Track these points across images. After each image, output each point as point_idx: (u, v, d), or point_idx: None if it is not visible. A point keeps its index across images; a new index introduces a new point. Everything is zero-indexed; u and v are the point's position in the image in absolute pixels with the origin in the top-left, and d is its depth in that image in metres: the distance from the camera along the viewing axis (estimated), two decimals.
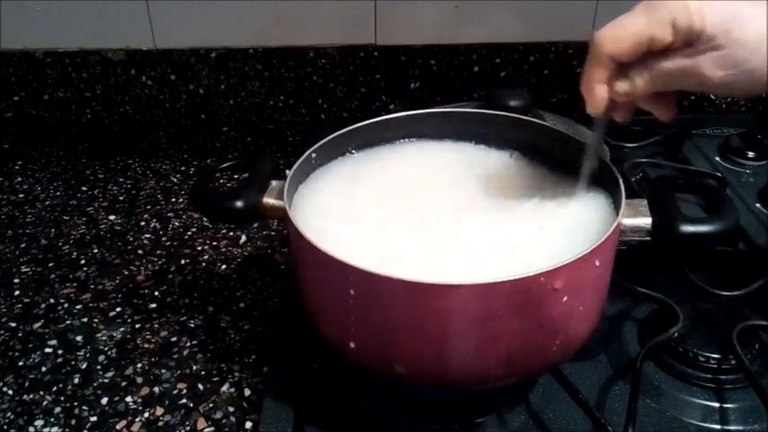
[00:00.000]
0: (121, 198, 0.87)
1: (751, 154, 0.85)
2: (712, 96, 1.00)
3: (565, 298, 0.44)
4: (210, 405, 0.57)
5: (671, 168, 0.82)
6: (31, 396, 0.58)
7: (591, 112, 0.47)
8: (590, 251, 0.43)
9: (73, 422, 0.56)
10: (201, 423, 0.55)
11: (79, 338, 0.64)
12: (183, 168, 0.94)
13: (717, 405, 0.54)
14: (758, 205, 0.76)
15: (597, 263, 0.45)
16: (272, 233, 0.79)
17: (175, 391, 0.58)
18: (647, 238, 0.49)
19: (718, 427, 0.53)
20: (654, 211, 0.49)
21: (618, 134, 0.85)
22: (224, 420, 0.56)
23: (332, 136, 0.58)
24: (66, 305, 0.69)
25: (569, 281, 0.43)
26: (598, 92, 0.46)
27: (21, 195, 0.89)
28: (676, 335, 0.56)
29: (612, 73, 0.45)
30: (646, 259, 0.63)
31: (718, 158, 0.86)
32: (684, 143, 0.89)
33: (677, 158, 0.87)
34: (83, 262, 0.75)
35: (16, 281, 0.72)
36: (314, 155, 0.56)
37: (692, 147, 0.89)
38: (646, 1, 0.43)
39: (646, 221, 0.48)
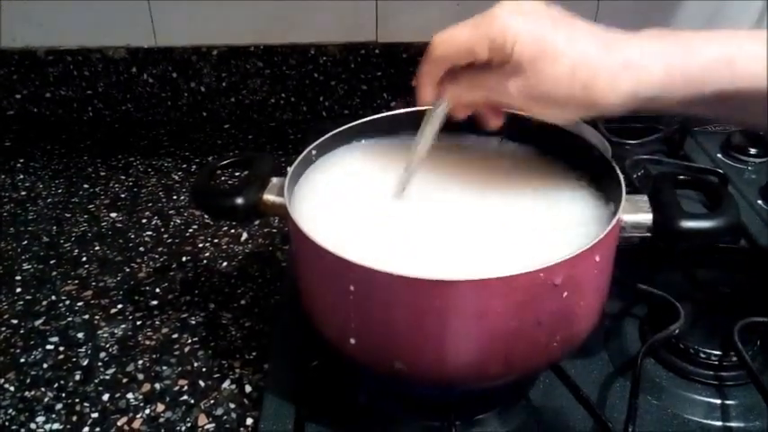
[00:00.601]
0: (123, 196, 0.87)
1: (753, 151, 0.85)
2: None
3: (565, 294, 0.44)
4: (211, 402, 0.57)
5: (672, 165, 0.82)
6: (33, 393, 0.58)
7: (420, 105, 0.50)
8: (590, 247, 0.43)
9: (74, 419, 0.56)
10: (202, 419, 0.56)
11: (80, 335, 0.65)
12: (185, 166, 0.94)
13: (718, 402, 0.54)
14: (760, 202, 0.76)
15: (597, 258, 0.45)
16: (274, 230, 0.79)
17: (176, 388, 0.58)
18: (648, 235, 0.49)
19: (719, 424, 0.53)
20: (654, 207, 0.49)
21: (619, 131, 0.85)
22: (225, 417, 0.56)
23: (332, 133, 0.58)
24: (67, 302, 0.69)
25: (569, 277, 0.43)
26: (424, 93, 0.49)
27: (23, 193, 0.89)
28: (677, 332, 0.56)
29: (444, 74, 0.48)
30: (646, 256, 0.63)
31: (719, 155, 0.86)
32: (686, 140, 0.89)
33: (679, 155, 0.87)
34: (84, 259, 0.75)
35: (18, 278, 0.73)
36: (314, 152, 0.56)
37: (694, 144, 0.89)
38: (480, 14, 0.45)
39: (646, 218, 0.48)
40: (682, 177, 0.54)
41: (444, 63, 0.47)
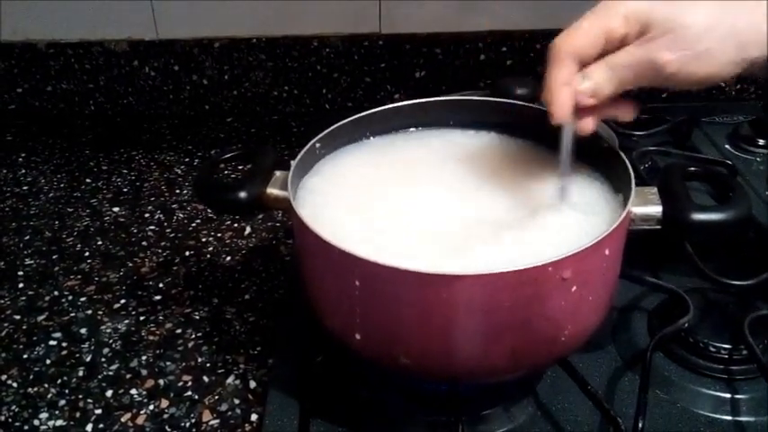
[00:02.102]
0: (125, 190, 0.87)
1: (761, 141, 0.84)
2: (722, 84, 0.99)
3: (573, 288, 0.43)
4: (216, 397, 0.57)
5: (680, 157, 0.81)
6: (36, 389, 0.58)
7: (557, 121, 0.46)
8: (599, 240, 0.42)
9: (77, 415, 0.56)
10: (207, 415, 0.55)
11: (84, 331, 0.64)
12: (187, 160, 0.94)
13: (728, 396, 0.53)
14: None
15: (607, 252, 0.44)
16: (277, 224, 0.78)
17: (180, 384, 0.58)
18: (657, 227, 0.48)
19: (729, 418, 0.52)
20: (664, 199, 0.48)
21: (626, 122, 0.84)
22: (229, 413, 0.55)
23: (335, 126, 0.57)
24: (70, 297, 0.68)
25: (578, 271, 0.42)
26: (561, 95, 0.45)
27: (24, 188, 0.88)
28: (686, 325, 0.55)
29: (573, 74, 0.45)
30: (655, 248, 0.62)
31: (727, 146, 0.85)
32: (693, 131, 0.88)
33: (686, 147, 0.85)
34: (87, 254, 0.75)
35: (20, 273, 0.72)
36: (318, 145, 0.56)
37: (701, 135, 0.88)
38: (594, 8, 0.45)
39: (656, 210, 0.48)
40: (691, 169, 0.53)
41: (575, 57, 0.45)
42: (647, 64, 0.44)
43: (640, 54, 0.44)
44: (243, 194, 0.52)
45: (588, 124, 0.47)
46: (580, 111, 0.46)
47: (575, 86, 0.45)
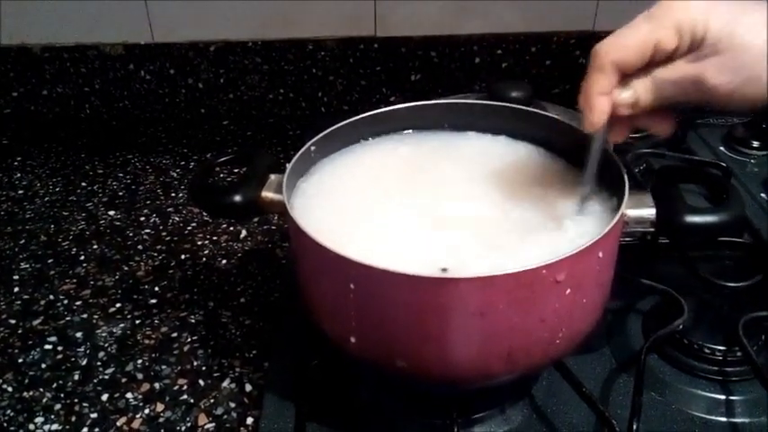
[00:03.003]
0: (121, 193, 0.87)
1: (756, 143, 0.84)
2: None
3: (568, 291, 0.43)
4: (211, 401, 0.57)
5: (675, 159, 0.81)
6: (31, 393, 0.58)
7: (590, 129, 0.45)
8: (593, 243, 0.42)
9: (73, 419, 0.56)
10: (202, 419, 0.55)
11: (79, 335, 0.64)
12: (183, 163, 0.93)
13: (722, 397, 0.54)
14: (763, 195, 0.75)
15: (600, 254, 0.44)
16: (273, 228, 0.78)
17: (176, 387, 0.58)
18: (651, 230, 0.48)
19: (723, 419, 0.52)
20: (658, 202, 0.48)
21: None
22: (225, 416, 0.55)
23: (331, 129, 0.57)
24: (65, 301, 0.68)
25: (572, 273, 0.42)
26: (599, 103, 0.44)
27: (20, 191, 0.88)
28: (681, 327, 0.55)
29: (614, 85, 0.44)
30: (648, 250, 0.63)
31: (722, 148, 0.85)
32: (688, 133, 0.88)
33: (681, 149, 0.86)
34: (82, 258, 0.75)
35: (15, 277, 0.72)
36: (313, 148, 0.56)
37: (696, 137, 0.88)
38: (647, 11, 0.42)
39: (650, 212, 0.48)
40: (685, 171, 0.53)
41: (622, 66, 0.43)
42: (696, 84, 0.42)
43: (689, 71, 0.42)
44: (238, 198, 0.52)
45: (620, 134, 0.46)
46: (615, 121, 0.45)
47: (614, 97, 0.44)
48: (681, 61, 0.42)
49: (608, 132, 0.46)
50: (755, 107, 0.43)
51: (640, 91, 0.44)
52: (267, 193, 0.52)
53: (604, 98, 0.44)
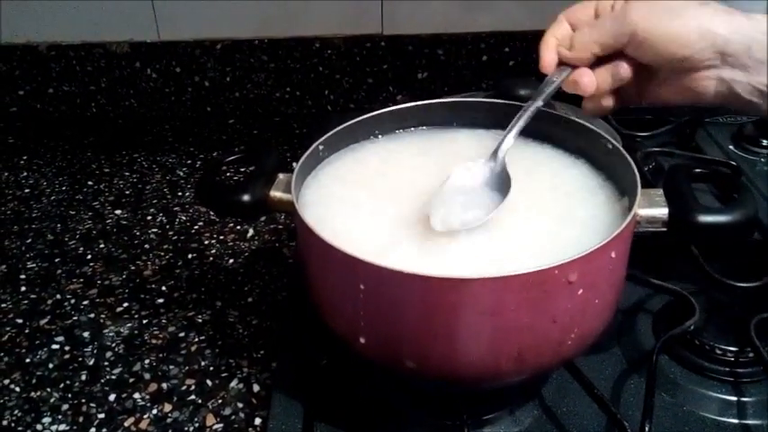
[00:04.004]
0: (127, 192, 0.87)
1: (765, 142, 0.84)
2: None
3: (580, 291, 0.43)
4: (219, 401, 0.56)
5: (685, 157, 0.81)
6: (39, 393, 0.58)
7: (542, 69, 0.53)
8: (606, 243, 0.42)
9: (80, 419, 0.55)
10: (210, 419, 0.55)
11: (86, 334, 0.64)
12: (190, 162, 0.93)
13: (734, 399, 0.53)
14: None
15: (613, 254, 0.44)
16: (280, 227, 0.78)
17: (184, 388, 0.58)
18: (663, 229, 0.48)
19: (735, 421, 0.52)
20: (670, 201, 0.48)
21: (629, 123, 0.84)
22: (233, 416, 0.55)
23: (339, 128, 0.57)
24: (72, 301, 0.68)
25: (584, 273, 0.42)
26: (548, 43, 0.53)
27: (26, 190, 0.88)
28: (692, 327, 0.55)
29: (565, 34, 0.53)
30: (660, 250, 0.62)
31: (731, 147, 0.85)
32: (697, 132, 0.87)
33: (690, 147, 0.85)
34: (89, 257, 0.75)
35: (22, 277, 0.72)
36: (321, 147, 0.55)
37: (705, 135, 0.87)
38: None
39: (662, 212, 0.47)
40: (696, 170, 0.53)
41: (568, 19, 0.53)
42: (621, 20, 0.49)
43: (616, 13, 0.50)
44: (246, 197, 0.51)
45: (584, 76, 0.51)
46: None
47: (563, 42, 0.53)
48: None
49: (567, 74, 0.52)
50: (680, 61, 0.48)
51: (577, 35, 0.52)
52: (275, 193, 0.52)
53: (551, 41, 0.53)
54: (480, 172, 0.52)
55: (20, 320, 0.66)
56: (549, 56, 0.52)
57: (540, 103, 0.52)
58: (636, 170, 0.48)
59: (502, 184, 0.50)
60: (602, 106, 0.53)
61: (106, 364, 0.61)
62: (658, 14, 0.48)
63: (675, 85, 0.50)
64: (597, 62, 0.52)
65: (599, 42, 0.50)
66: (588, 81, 0.51)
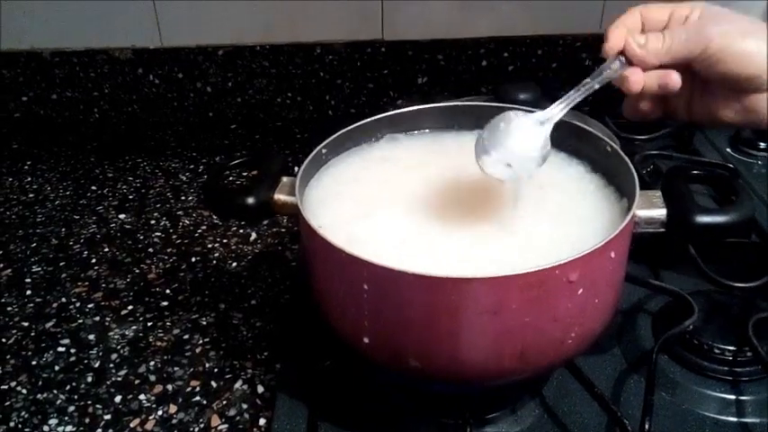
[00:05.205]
0: (131, 197, 0.87)
1: (762, 144, 0.85)
2: None
3: (580, 290, 0.43)
4: (224, 402, 0.57)
5: (683, 160, 0.81)
6: (45, 395, 0.58)
7: (604, 53, 0.51)
8: (605, 243, 0.43)
9: (87, 421, 0.56)
10: (215, 420, 0.55)
11: (91, 337, 0.65)
12: (192, 166, 0.94)
13: (733, 397, 0.54)
14: None
15: (613, 254, 0.45)
16: (282, 230, 0.79)
17: (189, 389, 0.58)
18: (662, 230, 0.48)
19: (734, 419, 0.52)
20: (668, 202, 0.48)
21: (627, 127, 0.85)
22: (238, 418, 0.56)
23: (342, 131, 0.57)
24: (77, 304, 0.69)
25: (585, 273, 0.43)
26: (616, 33, 0.50)
27: (31, 195, 0.89)
28: (691, 327, 0.55)
29: (635, 26, 0.51)
30: (659, 251, 0.63)
31: (729, 150, 0.86)
32: (695, 135, 0.88)
33: (688, 150, 0.86)
34: (94, 261, 0.75)
35: (28, 280, 0.73)
36: (324, 150, 0.56)
37: (703, 138, 0.88)
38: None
39: (660, 213, 0.48)
40: (694, 172, 0.53)
41: (642, 15, 0.51)
42: (696, 33, 0.48)
43: (690, 25, 0.49)
44: (251, 200, 0.52)
45: (635, 74, 0.50)
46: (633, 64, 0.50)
47: (632, 35, 0.50)
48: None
49: (622, 68, 0.50)
50: (748, 85, 0.48)
51: (651, 38, 0.49)
52: (280, 196, 0.52)
53: (622, 29, 0.50)
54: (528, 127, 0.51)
55: (26, 323, 0.67)
56: (615, 42, 0.50)
57: (596, 85, 0.51)
58: (634, 172, 0.49)
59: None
60: (639, 109, 0.53)
61: (112, 366, 0.61)
62: (735, 32, 0.47)
63: (733, 104, 0.50)
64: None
65: (671, 52, 0.49)
66: (636, 80, 0.50)
